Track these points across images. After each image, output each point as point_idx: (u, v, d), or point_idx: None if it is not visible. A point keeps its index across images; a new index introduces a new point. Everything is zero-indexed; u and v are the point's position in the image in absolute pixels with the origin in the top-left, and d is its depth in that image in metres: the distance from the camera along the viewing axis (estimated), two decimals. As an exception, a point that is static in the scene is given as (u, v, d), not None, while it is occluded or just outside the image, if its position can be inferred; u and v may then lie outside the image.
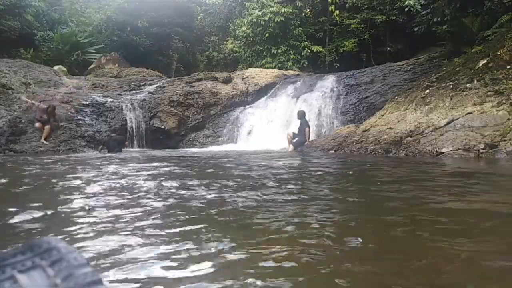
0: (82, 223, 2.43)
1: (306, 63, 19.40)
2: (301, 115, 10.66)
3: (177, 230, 2.26)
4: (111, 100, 12.60)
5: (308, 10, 19.86)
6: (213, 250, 1.89)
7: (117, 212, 2.75)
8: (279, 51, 19.32)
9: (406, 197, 3.32)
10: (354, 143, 8.78)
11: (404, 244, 2.07)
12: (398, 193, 3.52)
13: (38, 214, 2.67)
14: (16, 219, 2.52)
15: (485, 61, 8.71)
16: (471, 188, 3.72)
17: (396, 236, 2.21)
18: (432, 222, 2.48)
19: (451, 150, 6.88)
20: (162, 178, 4.44)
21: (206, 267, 1.66)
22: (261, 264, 1.69)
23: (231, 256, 1.80)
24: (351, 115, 11.77)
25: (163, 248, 1.92)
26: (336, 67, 18.24)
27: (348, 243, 1.98)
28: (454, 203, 3.05)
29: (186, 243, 1.98)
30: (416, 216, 2.63)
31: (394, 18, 17.57)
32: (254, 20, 19.16)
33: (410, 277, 1.63)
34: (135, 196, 3.33)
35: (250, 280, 1.50)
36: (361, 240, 2.03)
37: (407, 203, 3.05)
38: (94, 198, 3.26)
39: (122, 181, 4.25)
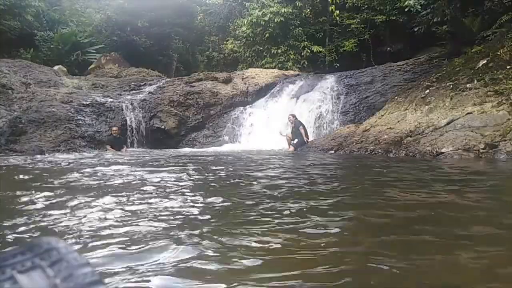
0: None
1: (306, 63, 19.39)
2: (292, 118, 10.67)
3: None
4: (111, 100, 12.60)
5: (308, 10, 19.84)
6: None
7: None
8: (279, 51, 19.31)
9: (410, 201, 3.31)
10: (354, 143, 8.78)
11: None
12: (403, 196, 3.52)
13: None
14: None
15: (485, 61, 8.71)
16: (472, 188, 3.72)
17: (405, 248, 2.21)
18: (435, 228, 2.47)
19: (451, 150, 6.88)
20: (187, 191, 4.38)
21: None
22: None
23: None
24: (351, 115, 11.76)
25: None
26: (336, 67, 18.22)
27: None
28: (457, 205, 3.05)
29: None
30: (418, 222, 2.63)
31: (394, 18, 17.53)
32: (254, 20, 19.14)
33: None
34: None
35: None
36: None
37: (413, 210, 3.05)
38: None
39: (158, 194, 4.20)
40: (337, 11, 14.83)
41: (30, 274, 0.31)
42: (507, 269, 1.72)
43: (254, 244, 2.03)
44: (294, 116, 10.82)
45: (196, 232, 2.28)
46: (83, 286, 0.31)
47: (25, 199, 3.29)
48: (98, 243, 2.09)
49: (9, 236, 2.26)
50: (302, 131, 10.41)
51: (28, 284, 0.30)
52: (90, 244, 2.07)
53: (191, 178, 4.62)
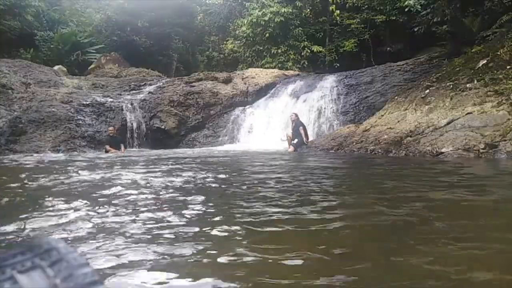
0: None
1: (306, 63, 19.39)
2: (295, 116, 10.69)
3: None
4: (111, 100, 12.60)
5: (308, 10, 19.83)
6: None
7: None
8: (279, 51, 19.31)
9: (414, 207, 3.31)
10: (354, 143, 8.78)
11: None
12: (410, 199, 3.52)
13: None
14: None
15: (485, 61, 8.71)
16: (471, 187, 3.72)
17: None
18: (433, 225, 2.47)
19: (451, 150, 6.88)
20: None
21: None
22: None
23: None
24: (351, 115, 11.76)
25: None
26: (336, 67, 18.22)
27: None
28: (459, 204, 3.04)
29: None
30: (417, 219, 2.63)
31: (394, 18, 17.53)
32: (254, 20, 19.14)
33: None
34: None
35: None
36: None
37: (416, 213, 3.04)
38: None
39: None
40: (337, 11, 14.87)
41: (30, 274, 0.31)
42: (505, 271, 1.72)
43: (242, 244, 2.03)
44: (296, 115, 10.82)
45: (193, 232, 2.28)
46: (83, 286, 0.31)
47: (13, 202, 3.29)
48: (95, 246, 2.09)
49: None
50: (302, 131, 10.38)
51: (28, 284, 0.30)
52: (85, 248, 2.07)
53: (188, 180, 4.62)
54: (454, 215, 2.64)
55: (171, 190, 3.74)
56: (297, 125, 10.50)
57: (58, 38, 18.68)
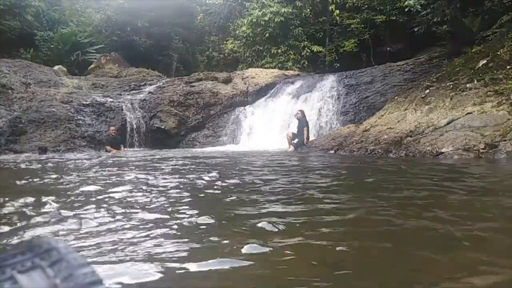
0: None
1: (306, 63, 19.40)
2: (301, 114, 10.60)
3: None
4: (111, 100, 12.61)
5: (308, 10, 19.85)
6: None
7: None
8: (279, 51, 19.33)
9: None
10: (354, 143, 8.78)
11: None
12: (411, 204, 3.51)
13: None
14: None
15: (485, 61, 8.71)
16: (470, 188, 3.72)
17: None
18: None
19: (451, 150, 6.88)
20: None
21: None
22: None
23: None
24: (351, 115, 11.77)
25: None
26: (336, 67, 18.24)
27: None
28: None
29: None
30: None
31: (394, 18, 17.55)
32: (254, 20, 19.16)
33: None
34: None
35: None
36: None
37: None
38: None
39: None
40: (337, 11, 14.87)
41: (30, 274, 0.31)
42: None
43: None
44: (302, 113, 10.67)
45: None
46: (83, 286, 0.31)
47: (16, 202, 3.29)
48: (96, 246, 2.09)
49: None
50: (305, 132, 10.34)
51: (28, 284, 0.30)
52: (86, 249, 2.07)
53: (188, 180, 4.62)
54: (457, 216, 2.64)
55: (171, 191, 3.74)
56: (303, 124, 10.38)
57: (58, 38, 18.70)
